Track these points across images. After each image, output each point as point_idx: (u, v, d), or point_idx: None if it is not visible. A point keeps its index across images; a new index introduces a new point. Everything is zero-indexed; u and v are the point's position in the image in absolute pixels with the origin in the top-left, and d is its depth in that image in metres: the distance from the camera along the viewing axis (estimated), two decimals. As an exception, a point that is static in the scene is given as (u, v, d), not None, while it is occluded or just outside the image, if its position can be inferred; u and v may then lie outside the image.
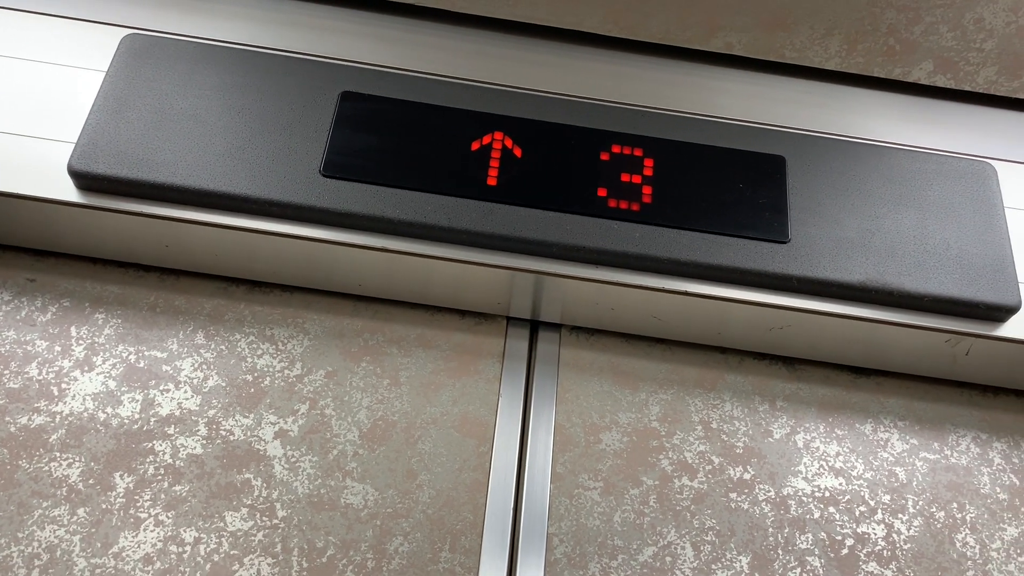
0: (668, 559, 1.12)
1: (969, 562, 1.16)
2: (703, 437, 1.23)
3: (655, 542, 1.13)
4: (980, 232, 1.25)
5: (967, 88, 1.39)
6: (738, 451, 1.22)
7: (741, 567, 1.12)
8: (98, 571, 1.04)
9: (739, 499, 1.18)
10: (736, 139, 1.29)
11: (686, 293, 1.19)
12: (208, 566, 1.05)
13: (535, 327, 1.31)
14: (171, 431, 1.15)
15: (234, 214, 1.18)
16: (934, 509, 1.20)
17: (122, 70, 1.24)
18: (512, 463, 1.18)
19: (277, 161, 1.20)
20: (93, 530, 1.07)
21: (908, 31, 1.32)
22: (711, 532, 1.15)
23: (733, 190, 1.24)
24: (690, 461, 1.20)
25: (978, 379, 1.30)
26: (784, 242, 1.20)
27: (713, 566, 1.12)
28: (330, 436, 1.16)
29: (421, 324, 1.28)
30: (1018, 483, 1.23)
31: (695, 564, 1.12)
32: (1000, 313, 1.20)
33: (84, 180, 1.16)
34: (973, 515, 1.20)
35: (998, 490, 1.22)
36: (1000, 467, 1.25)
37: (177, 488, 1.11)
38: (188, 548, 1.06)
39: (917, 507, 1.20)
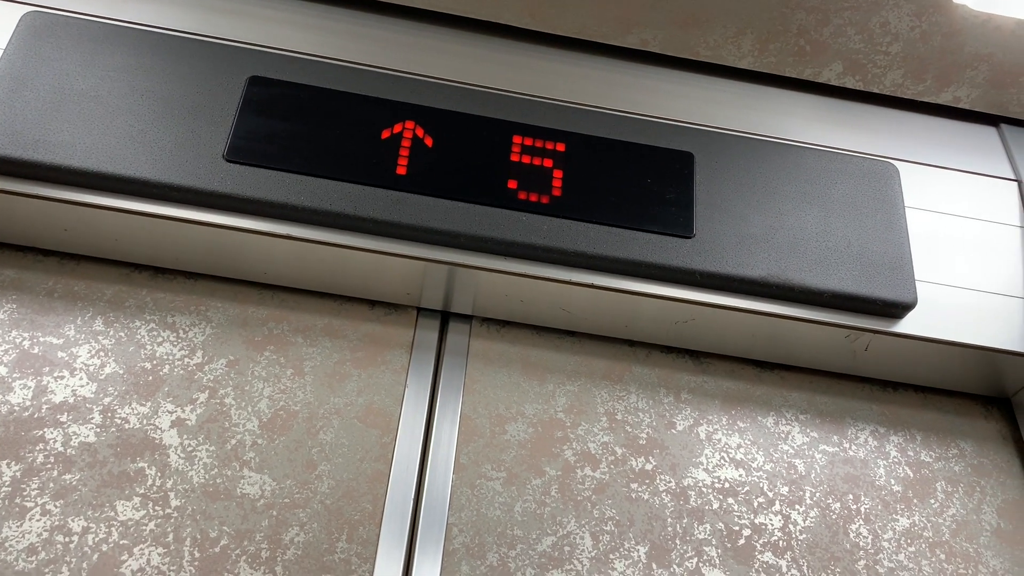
0: (567, 549, 1.13)
1: (861, 552, 1.19)
2: (607, 428, 1.24)
3: (554, 532, 1.14)
4: (881, 230, 1.28)
5: (875, 90, 1.42)
6: (641, 442, 1.23)
7: (639, 556, 1.13)
8: (-21, 562, 1.01)
9: (640, 490, 1.19)
10: (646, 135, 1.30)
11: (592, 286, 1.20)
12: (96, 556, 1.03)
13: (446, 318, 1.31)
14: (64, 419, 1.12)
15: (136, 198, 1.16)
16: (830, 500, 1.23)
17: (21, 48, 1.20)
18: (415, 454, 1.17)
19: (180, 145, 1.17)
20: (-24, 520, 1.04)
21: (818, 32, 1.35)
22: (611, 522, 1.16)
23: (641, 185, 1.25)
24: (593, 452, 1.21)
25: (877, 374, 1.33)
26: (689, 237, 1.22)
27: (611, 556, 1.13)
28: (229, 426, 1.15)
29: (329, 314, 1.27)
30: (912, 475, 1.27)
31: (593, 554, 1.13)
32: (897, 310, 1.23)
33: (-24, 160, 1.13)
34: (868, 506, 1.23)
35: (892, 482, 1.26)
36: (896, 460, 1.28)
37: (67, 477, 1.08)
38: (75, 538, 1.04)
39: (814, 498, 1.22)
